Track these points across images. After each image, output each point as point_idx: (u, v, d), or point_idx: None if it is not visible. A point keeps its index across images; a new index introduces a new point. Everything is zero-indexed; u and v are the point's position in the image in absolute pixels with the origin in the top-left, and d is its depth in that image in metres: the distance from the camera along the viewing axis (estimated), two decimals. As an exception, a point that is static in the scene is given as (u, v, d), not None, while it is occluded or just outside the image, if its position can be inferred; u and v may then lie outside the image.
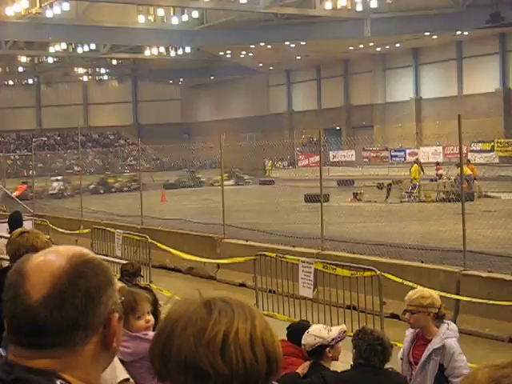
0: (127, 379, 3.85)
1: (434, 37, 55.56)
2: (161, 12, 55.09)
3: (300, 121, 71.08)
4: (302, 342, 6.29)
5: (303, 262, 13.35)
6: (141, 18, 54.83)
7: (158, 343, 1.59)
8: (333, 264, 13.07)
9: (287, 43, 57.63)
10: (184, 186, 49.19)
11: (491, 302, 11.49)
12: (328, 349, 6.08)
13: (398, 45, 59.03)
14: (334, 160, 61.57)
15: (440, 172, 37.74)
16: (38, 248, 4.20)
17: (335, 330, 6.16)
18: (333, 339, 6.05)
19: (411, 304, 6.21)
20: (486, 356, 9.96)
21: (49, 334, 1.70)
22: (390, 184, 36.08)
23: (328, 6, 50.21)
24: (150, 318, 4.72)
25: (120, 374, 3.77)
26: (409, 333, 6.49)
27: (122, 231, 20.36)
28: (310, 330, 6.33)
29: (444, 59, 60.13)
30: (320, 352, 6.11)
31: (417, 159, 44.92)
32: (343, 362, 6.37)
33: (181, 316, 1.58)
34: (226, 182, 45.27)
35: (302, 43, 57.37)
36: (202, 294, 1.62)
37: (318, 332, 6.21)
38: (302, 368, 6.05)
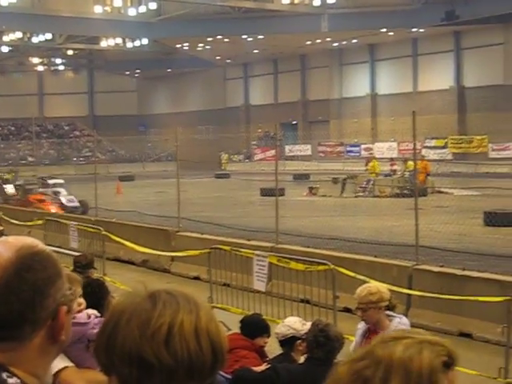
0: (65, 367, 3.84)
1: (390, 33, 56.03)
2: (118, 2, 54.69)
3: (257, 115, 71.15)
4: (276, 330, 6.39)
5: (257, 255, 13.38)
6: (97, 9, 54.37)
7: (103, 335, 1.59)
8: (287, 258, 13.11)
9: (245, 37, 57.64)
10: None
11: (442, 296, 11.63)
12: (299, 341, 6.14)
13: (354, 40, 59.38)
14: (290, 154, 61.84)
15: (394, 168, 38.11)
16: None
17: (309, 325, 6.21)
18: (305, 333, 6.10)
19: (361, 302, 6.26)
20: (436, 349, 10.06)
21: None
22: (345, 179, 36.35)
23: (285, 0, 50.34)
24: (82, 301, 4.71)
25: (57, 363, 3.75)
26: (361, 326, 6.54)
27: (75, 223, 20.20)
28: (285, 320, 6.46)
29: (399, 56, 60.66)
30: (291, 343, 6.18)
31: (370, 154, 45.41)
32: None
33: (126, 308, 1.58)
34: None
35: (259, 37, 57.43)
36: (147, 286, 1.63)
37: (292, 323, 6.29)
38: (264, 368, 6.05)
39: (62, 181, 34.16)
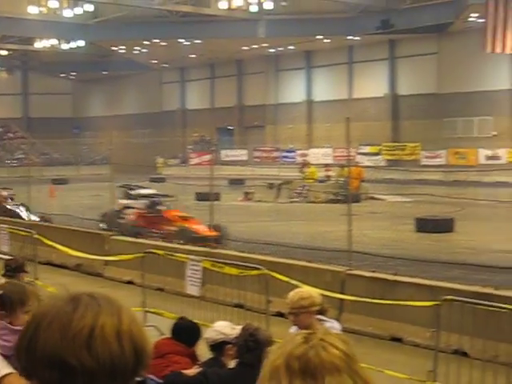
0: (9, 373, 3.81)
1: (327, 40, 56.51)
2: (54, 3, 54.03)
3: (193, 119, 71.02)
4: (205, 335, 6.37)
5: (191, 260, 13.36)
6: (32, 9, 53.61)
7: (24, 339, 1.59)
8: (221, 262, 13.13)
9: (181, 41, 57.49)
10: None
11: (374, 301, 11.79)
12: (229, 346, 6.13)
13: (291, 47, 59.72)
14: (226, 159, 61.88)
15: (329, 173, 38.44)
16: None
17: (239, 329, 6.21)
18: (235, 337, 6.10)
19: (293, 307, 6.30)
20: (368, 353, 10.21)
21: None
22: (281, 184, 36.57)
23: (223, 5, 50.40)
24: None
25: (1, 369, 3.71)
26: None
27: (6, 226, 19.88)
28: (214, 325, 6.42)
29: (335, 63, 61.19)
30: (221, 348, 6.17)
31: (304, 160, 45.73)
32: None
33: (47, 311, 1.58)
34: None
35: (196, 41, 57.35)
36: (69, 289, 1.63)
37: (221, 328, 6.29)
38: (192, 373, 6.05)
39: (154, 190, 26.10)
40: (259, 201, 34.56)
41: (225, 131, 67.93)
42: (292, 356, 1.49)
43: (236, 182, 44.67)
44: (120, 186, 26.13)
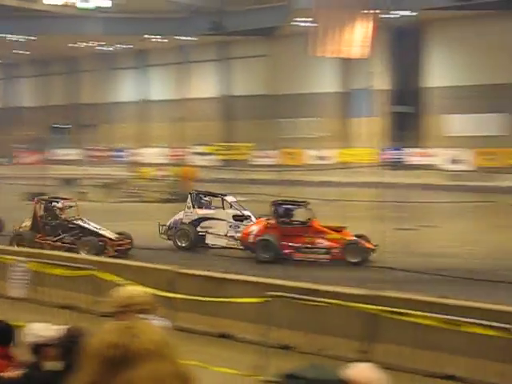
0: None
1: (161, 40, 56.50)
2: None
3: (26, 117, 69.05)
4: (23, 338, 6.20)
5: (16, 261, 13.01)
6: None
7: None
8: (49, 263, 12.86)
9: (10, 36, 55.72)
10: None
11: (203, 299, 11.89)
12: (48, 348, 6.00)
13: (124, 45, 59.28)
14: (60, 158, 60.65)
15: (162, 173, 38.48)
16: None
17: (56, 330, 6.09)
18: (54, 338, 5.98)
19: (118, 305, 6.21)
20: (198, 351, 10.30)
21: None
22: (113, 184, 36.30)
23: (51, 0, 49.34)
24: None
25: None
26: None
27: None
28: (31, 327, 6.27)
29: (170, 62, 61.24)
30: (40, 351, 6.03)
31: (134, 160, 45.57)
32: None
33: None
34: None
35: (26, 37, 55.78)
36: None
37: (38, 330, 6.15)
38: (13, 375, 5.89)
39: (234, 198, 22.64)
40: (91, 200, 34.07)
41: (59, 129, 66.52)
42: (108, 345, 1.51)
43: (70, 182, 43.91)
44: (192, 194, 22.38)
